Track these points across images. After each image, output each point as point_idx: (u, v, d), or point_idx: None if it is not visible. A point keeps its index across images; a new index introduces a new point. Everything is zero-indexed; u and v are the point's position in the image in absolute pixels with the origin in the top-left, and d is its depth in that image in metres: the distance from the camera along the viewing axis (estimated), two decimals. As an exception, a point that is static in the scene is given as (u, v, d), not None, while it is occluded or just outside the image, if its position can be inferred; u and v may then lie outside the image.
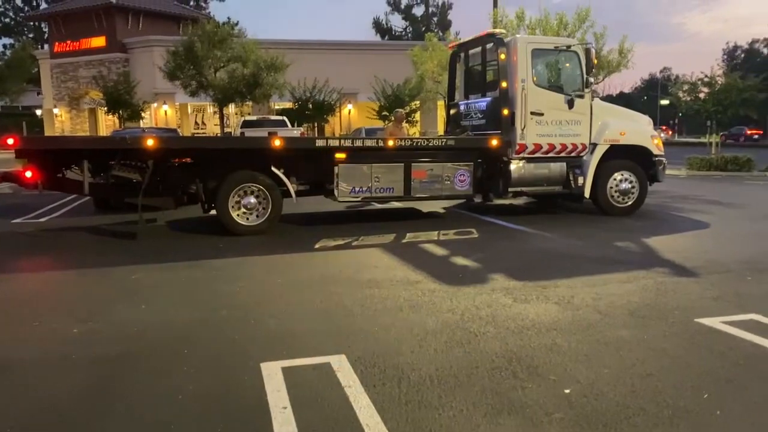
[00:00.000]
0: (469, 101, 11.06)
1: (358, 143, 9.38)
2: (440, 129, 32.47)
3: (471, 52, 11.11)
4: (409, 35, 67.13)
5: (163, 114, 36.34)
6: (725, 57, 75.22)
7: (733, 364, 3.84)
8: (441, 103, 32.95)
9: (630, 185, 10.20)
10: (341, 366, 3.81)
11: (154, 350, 4.20)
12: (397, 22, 70.38)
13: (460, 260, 6.99)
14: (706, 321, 4.61)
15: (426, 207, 11.07)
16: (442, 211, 11.07)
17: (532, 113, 9.70)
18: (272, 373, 3.70)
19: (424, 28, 66.60)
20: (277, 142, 8.92)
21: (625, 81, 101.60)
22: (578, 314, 4.83)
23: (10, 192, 14.26)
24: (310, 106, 33.25)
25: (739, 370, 3.76)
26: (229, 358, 4.03)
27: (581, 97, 9.92)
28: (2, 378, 3.76)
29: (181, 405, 3.36)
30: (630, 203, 10.24)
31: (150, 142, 8.38)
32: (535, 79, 9.77)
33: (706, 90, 24.79)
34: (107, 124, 36.81)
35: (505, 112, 9.72)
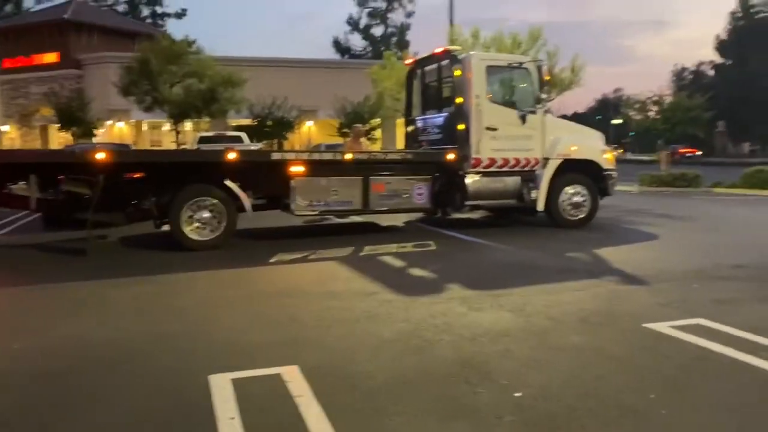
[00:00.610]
0: (426, 117, 11.18)
1: (315, 156, 9.37)
2: (399, 146, 32.69)
3: (427, 68, 11.26)
4: (369, 55, 67.69)
5: (117, 131, 35.61)
6: (674, 78, 78.12)
7: (679, 365, 3.93)
8: (399, 121, 33.33)
9: (582, 198, 10.43)
10: (293, 377, 3.74)
11: (98, 365, 4.05)
12: (357, 42, 71.06)
13: (417, 271, 7.01)
14: (655, 326, 4.70)
15: (385, 221, 11.08)
16: (401, 224, 11.11)
17: (486, 128, 9.86)
18: (221, 385, 3.61)
19: (383, 48, 67.37)
20: (231, 155, 8.83)
21: (580, 101, 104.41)
22: (531, 321, 4.88)
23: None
24: (269, 122, 33.11)
25: (684, 371, 3.85)
26: (176, 371, 3.92)
27: (533, 112, 10.14)
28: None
29: (124, 420, 3.24)
30: (582, 216, 10.46)
31: (100, 156, 8.19)
32: (489, 95, 9.96)
33: (655, 109, 25.76)
34: (60, 141, 35.77)
35: (461, 127, 9.85)
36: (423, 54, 11.25)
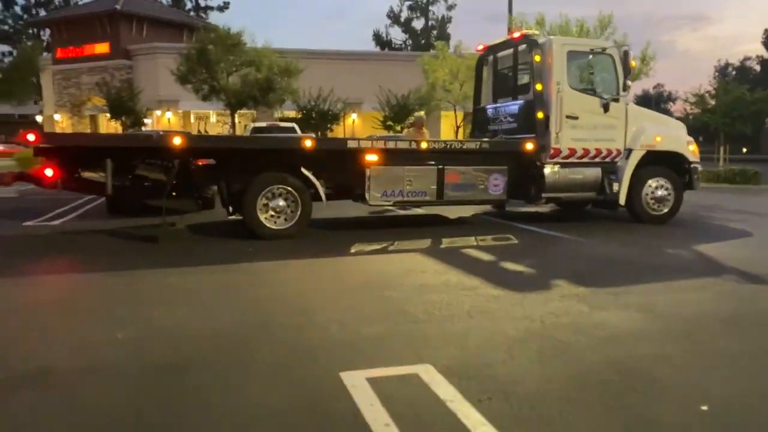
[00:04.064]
0: (498, 105, 10.72)
1: (391, 145, 9.03)
2: (443, 138, 32.12)
3: (500, 54, 10.79)
4: (409, 48, 67.11)
5: (166, 121, 35.93)
6: (717, 74, 75.48)
7: None
8: (444, 113, 32.80)
9: (666, 192, 9.87)
10: (431, 377, 3.42)
11: (212, 358, 3.79)
12: (397, 35, 70.43)
13: (510, 265, 6.62)
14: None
15: (450, 213, 10.70)
16: (469, 216, 10.71)
17: (567, 117, 9.37)
18: (358, 385, 3.31)
19: (423, 41, 66.72)
20: (308, 143, 8.57)
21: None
22: (667, 323, 4.46)
23: (15, 196, 13.81)
24: (314, 114, 32.93)
25: None
26: (300, 366, 3.63)
27: (617, 100, 9.61)
28: (49, 390, 3.34)
29: (263, 420, 2.96)
30: (665, 211, 9.90)
31: (177, 141, 7.99)
32: (570, 81, 9.47)
33: (713, 103, 24.74)
34: (109, 130, 36.28)
35: (540, 115, 9.38)
36: (496, 40, 10.75)
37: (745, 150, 48.61)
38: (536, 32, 10.85)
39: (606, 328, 4.32)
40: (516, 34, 10.25)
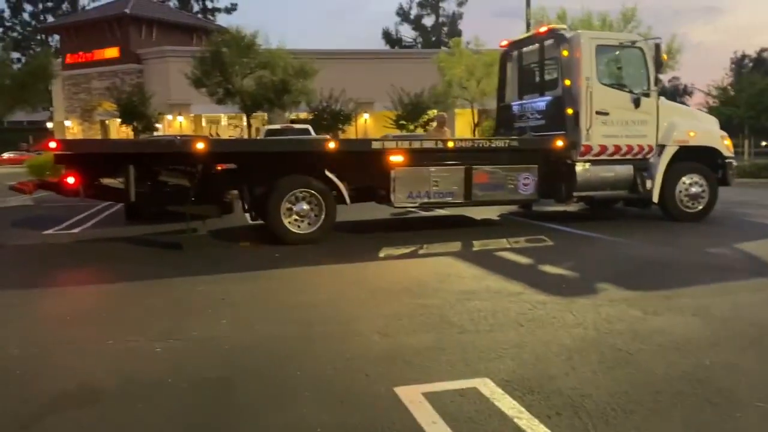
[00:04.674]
0: (524, 101, 10.48)
1: (416, 145, 8.82)
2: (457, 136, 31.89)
3: (525, 50, 10.55)
4: (419, 45, 66.83)
5: (178, 125, 35.92)
6: (733, 66, 74.45)
7: None
8: (459, 111, 32.49)
9: (700, 189, 9.58)
10: (491, 391, 3.22)
11: (257, 371, 3.62)
12: (407, 33, 70.16)
13: (550, 269, 6.39)
14: None
15: (475, 214, 10.47)
16: (496, 218, 10.48)
17: (597, 112, 9.12)
18: (414, 401, 3.11)
19: (434, 38, 66.45)
20: (332, 144, 8.39)
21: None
22: (731, 328, 4.23)
23: (32, 204, 13.71)
24: (326, 115, 32.78)
25: None
26: (350, 380, 3.44)
27: (647, 95, 9.35)
28: (94, 409, 3.17)
29: (322, 442, 2.77)
30: (700, 208, 9.61)
31: (200, 146, 7.84)
32: (599, 76, 9.21)
33: (734, 95, 24.30)
34: (120, 135, 36.32)
35: (569, 111, 9.14)
36: (521, 35, 10.53)
37: (764, 143, 47.93)
38: (563, 26, 10.60)
39: (665, 334, 4.09)
40: (542, 29, 10.02)
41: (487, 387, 3.28)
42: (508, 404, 3.06)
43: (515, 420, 2.88)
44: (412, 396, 3.17)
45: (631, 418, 2.89)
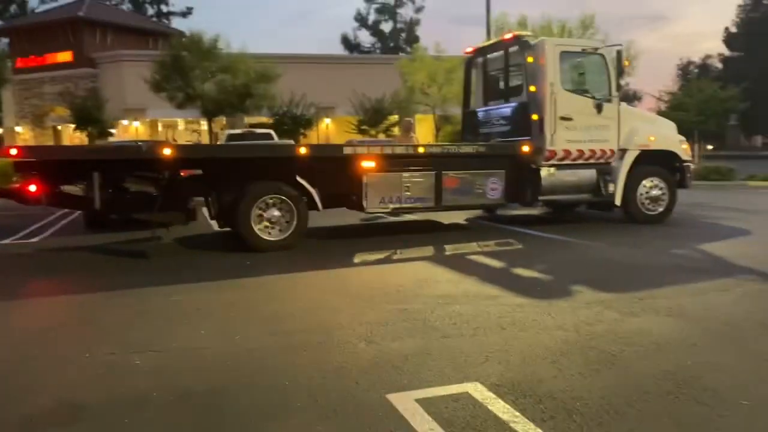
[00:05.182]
0: (490, 107, 10.64)
1: (387, 150, 8.85)
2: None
3: (490, 56, 10.71)
4: (378, 51, 67.01)
5: (134, 130, 35.05)
6: (679, 72, 76.90)
7: None
8: (420, 117, 32.66)
9: (660, 192, 9.89)
10: (484, 396, 3.24)
11: (248, 382, 3.55)
12: (365, 38, 70.28)
13: (523, 272, 6.49)
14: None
15: (444, 219, 10.54)
16: (464, 222, 10.58)
17: (561, 118, 9.33)
18: (409, 407, 3.11)
19: (392, 44, 66.75)
20: (303, 150, 8.35)
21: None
22: (706, 327, 4.37)
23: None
24: (286, 120, 32.48)
25: None
26: (342, 389, 3.41)
27: (609, 101, 9.61)
28: (81, 428, 3.05)
29: (320, 453, 2.74)
30: (661, 210, 9.92)
31: (168, 151, 7.68)
32: (563, 83, 9.42)
33: (687, 101, 25.15)
34: (74, 141, 35.22)
35: (535, 117, 9.32)
36: (485, 41, 10.67)
37: (710, 147, 49.73)
38: (528, 33, 10.80)
39: (644, 335, 4.20)
40: (507, 36, 10.18)
41: (479, 391, 3.30)
42: (501, 408, 3.09)
43: (512, 425, 2.91)
44: (405, 403, 3.17)
45: (625, 420, 2.95)
